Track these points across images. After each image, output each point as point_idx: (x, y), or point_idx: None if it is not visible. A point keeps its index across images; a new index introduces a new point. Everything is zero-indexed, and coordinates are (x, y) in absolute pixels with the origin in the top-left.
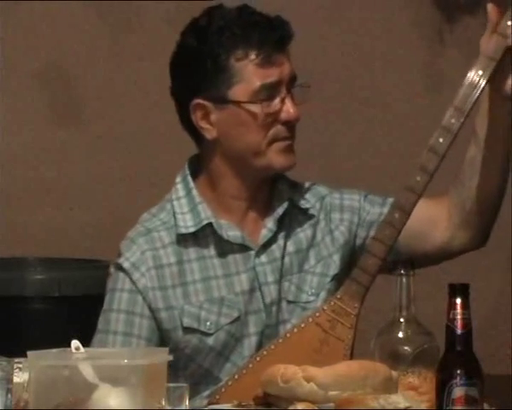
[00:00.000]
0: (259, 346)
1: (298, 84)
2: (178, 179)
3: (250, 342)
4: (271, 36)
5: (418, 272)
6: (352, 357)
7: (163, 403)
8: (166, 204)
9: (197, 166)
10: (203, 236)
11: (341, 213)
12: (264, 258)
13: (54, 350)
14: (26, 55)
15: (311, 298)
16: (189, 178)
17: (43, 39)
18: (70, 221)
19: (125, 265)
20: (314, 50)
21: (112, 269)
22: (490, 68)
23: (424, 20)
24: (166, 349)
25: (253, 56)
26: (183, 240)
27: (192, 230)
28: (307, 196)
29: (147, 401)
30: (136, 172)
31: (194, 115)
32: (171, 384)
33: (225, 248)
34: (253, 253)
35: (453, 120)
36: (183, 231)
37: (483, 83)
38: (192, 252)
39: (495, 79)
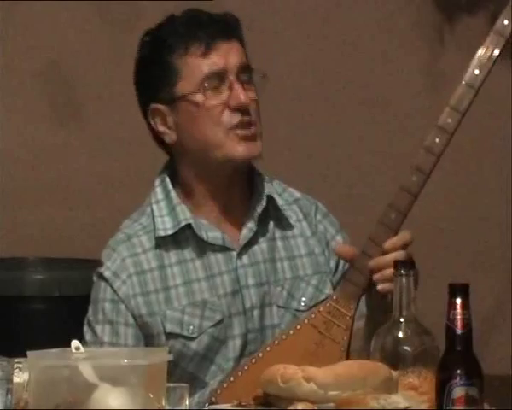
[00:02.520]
0: (244, 348)
1: (251, 70)
2: (157, 183)
3: (235, 344)
4: (212, 27)
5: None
6: (348, 358)
7: (163, 403)
8: (146, 208)
9: (175, 168)
10: (183, 238)
11: (326, 247)
12: (246, 260)
13: (54, 350)
14: (26, 55)
15: (302, 307)
16: (168, 181)
17: (43, 39)
18: (70, 221)
19: (106, 274)
20: (314, 50)
21: (94, 278)
22: (487, 68)
23: (424, 20)
24: (166, 349)
25: (193, 49)
26: (163, 243)
27: (171, 232)
28: (296, 203)
29: (147, 401)
30: (136, 172)
31: (153, 122)
32: (171, 384)
33: (206, 249)
34: (234, 254)
35: (449, 120)
36: (162, 233)
37: (480, 83)
38: (173, 256)
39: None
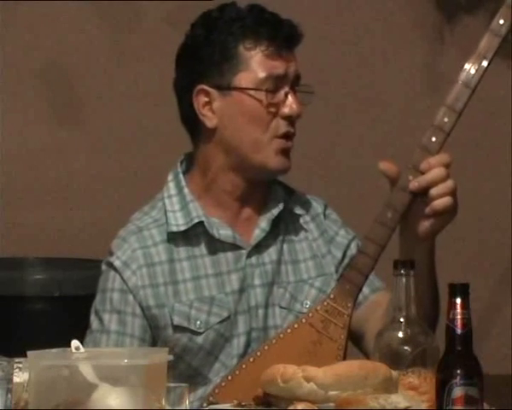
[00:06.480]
0: (247, 346)
1: (302, 85)
2: (170, 177)
3: (239, 341)
4: (281, 32)
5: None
6: (345, 356)
7: (163, 403)
8: (158, 202)
9: (189, 164)
10: (194, 234)
11: (330, 244)
12: (254, 260)
13: (54, 350)
14: (26, 54)
15: (305, 310)
16: (181, 176)
17: (43, 39)
18: (70, 221)
19: (116, 263)
20: (314, 50)
21: (103, 267)
22: (482, 67)
23: (424, 20)
24: (166, 349)
25: (263, 47)
26: (173, 238)
27: (183, 228)
28: (304, 206)
29: (147, 401)
30: (136, 172)
31: (196, 101)
32: (171, 384)
33: (217, 246)
34: (244, 252)
35: (446, 119)
36: (175, 229)
37: (476, 82)
38: (182, 251)
39: (407, 223)
